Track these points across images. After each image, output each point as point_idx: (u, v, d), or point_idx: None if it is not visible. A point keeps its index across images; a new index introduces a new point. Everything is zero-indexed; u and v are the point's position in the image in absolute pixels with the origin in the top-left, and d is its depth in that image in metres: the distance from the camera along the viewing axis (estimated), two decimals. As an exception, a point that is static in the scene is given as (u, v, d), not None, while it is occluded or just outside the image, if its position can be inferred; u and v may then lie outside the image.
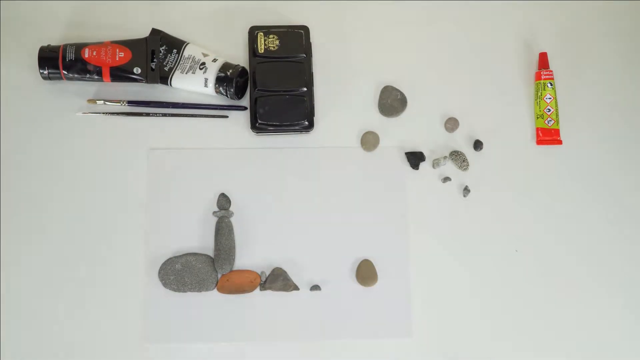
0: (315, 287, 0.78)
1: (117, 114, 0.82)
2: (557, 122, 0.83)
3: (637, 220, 0.82)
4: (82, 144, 0.81)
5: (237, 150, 0.81)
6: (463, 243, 0.80)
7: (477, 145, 0.82)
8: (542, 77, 0.83)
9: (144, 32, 0.81)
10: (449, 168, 0.82)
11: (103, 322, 0.76)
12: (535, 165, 0.83)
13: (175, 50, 0.81)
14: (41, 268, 0.78)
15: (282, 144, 0.82)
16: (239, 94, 0.81)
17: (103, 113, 0.82)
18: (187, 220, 0.79)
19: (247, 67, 0.82)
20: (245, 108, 0.83)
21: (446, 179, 0.82)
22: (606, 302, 0.80)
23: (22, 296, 0.77)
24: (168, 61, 0.80)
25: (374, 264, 0.79)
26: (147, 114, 0.82)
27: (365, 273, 0.78)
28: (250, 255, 0.79)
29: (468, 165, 0.82)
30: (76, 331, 0.76)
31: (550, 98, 0.83)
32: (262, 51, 0.81)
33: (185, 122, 0.82)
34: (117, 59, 0.79)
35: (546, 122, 0.83)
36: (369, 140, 0.82)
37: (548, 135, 0.83)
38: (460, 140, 0.83)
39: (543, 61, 0.85)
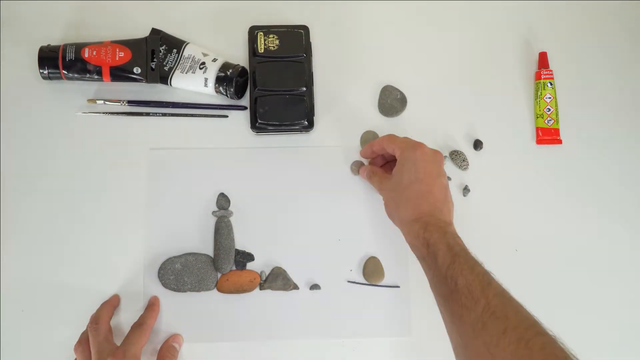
0: (315, 287, 0.78)
1: (117, 113, 0.82)
2: (557, 121, 0.83)
3: (638, 219, 0.82)
4: (82, 143, 0.81)
5: (237, 149, 0.81)
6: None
7: (477, 144, 0.82)
8: (542, 76, 0.83)
9: (144, 32, 0.81)
10: (449, 168, 0.82)
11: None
12: (535, 165, 0.83)
13: (175, 50, 0.81)
14: (40, 268, 0.78)
15: (282, 144, 0.82)
16: (239, 94, 0.81)
17: (103, 113, 0.82)
18: (186, 220, 0.79)
19: (247, 67, 0.82)
20: (245, 108, 0.83)
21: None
22: (607, 302, 0.80)
23: (21, 298, 0.77)
24: (168, 61, 0.80)
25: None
26: (147, 114, 0.82)
27: (372, 270, 0.78)
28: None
29: (468, 165, 0.82)
30: (77, 332, 0.75)
31: (550, 98, 0.83)
32: (262, 51, 0.81)
33: (185, 122, 0.82)
34: (117, 58, 0.79)
35: (546, 121, 0.83)
36: (369, 140, 0.82)
37: (548, 135, 0.83)
38: (460, 140, 0.83)
39: (543, 61, 0.85)
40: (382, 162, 0.79)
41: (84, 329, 0.74)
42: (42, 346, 0.76)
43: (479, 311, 0.58)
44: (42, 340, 0.76)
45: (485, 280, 0.60)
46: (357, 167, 0.81)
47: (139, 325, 0.73)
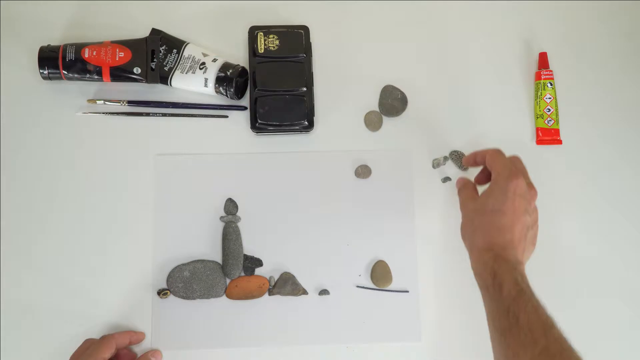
0: (324, 292, 0.78)
1: (117, 113, 0.82)
2: (557, 122, 0.83)
3: (638, 219, 0.82)
4: (82, 144, 0.81)
5: (244, 154, 0.81)
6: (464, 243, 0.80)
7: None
8: (542, 77, 0.83)
9: (144, 32, 0.81)
10: (449, 168, 0.82)
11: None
12: (535, 165, 0.82)
13: (175, 50, 0.81)
14: (41, 271, 0.77)
15: (282, 144, 0.82)
16: (239, 94, 0.81)
17: (103, 113, 0.82)
18: (194, 226, 0.79)
19: (247, 67, 0.82)
20: (245, 108, 0.83)
21: (446, 179, 0.81)
22: (607, 302, 0.80)
23: (23, 304, 0.76)
24: (168, 61, 0.80)
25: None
26: (147, 114, 0.82)
27: (380, 274, 0.78)
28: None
29: (468, 165, 0.82)
30: (79, 335, 0.74)
31: (550, 98, 0.83)
32: (262, 51, 0.81)
33: (185, 122, 0.82)
34: (117, 58, 0.79)
35: (546, 122, 0.83)
36: (372, 120, 0.82)
37: (548, 135, 0.83)
38: (461, 140, 0.83)
39: (543, 61, 0.85)
40: (485, 178, 0.74)
41: (93, 337, 0.74)
42: (49, 356, 0.75)
43: (536, 352, 0.56)
44: (49, 350, 0.75)
45: (548, 322, 0.59)
46: (363, 171, 0.80)
47: (103, 337, 0.71)
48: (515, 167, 0.69)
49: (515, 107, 0.85)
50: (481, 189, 0.73)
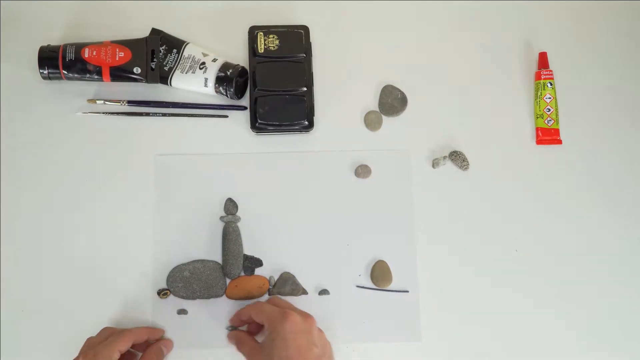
0: (324, 292, 0.78)
1: (117, 113, 0.82)
2: (557, 122, 0.83)
3: (638, 219, 0.82)
4: (82, 144, 0.81)
5: (243, 154, 0.81)
6: (463, 243, 0.80)
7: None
8: (542, 76, 0.83)
9: (144, 32, 0.81)
10: (449, 168, 0.82)
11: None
12: (535, 165, 0.83)
13: (175, 50, 0.81)
14: (41, 271, 0.77)
15: (282, 144, 0.82)
16: (239, 94, 0.81)
17: (103, 113, 0.82)
18: (194, 226, 0.79)
19: (247, 67, 0.82)
20: (245, 108, 0.83)
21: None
22: (608, 301, 0.80)
23: (22, 304, 0.76)
24: (168, 61, 0.80)
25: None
26: (147, 114, 0.82)
27: (380, 274, 0.78)
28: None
29: (468, 165, 0.82)
30: (78, 333, 0.74)
31: (550, 98, 0.83)
32: (262, 51, 0.81)
33: (185, 122, 0.82)
34: (117, 58, 0.79)
35: (546, 121, 0.83)
36: (373, 121, 0.82)
37: (548, 135, 0.83)
38: (461, 140, 0.83)
39: (543, 61, 0.85)
40: (258, 328, 0.75)
41: (87, 331, 0.73)
42: (41, 347, 0.76)
43: None
44: (42, 341, 0.76)
45: None
46: (363, 171, 0.80)
47: (123, 330, 0.71)
48: (281, 307, 0.69)
49: (515, 107, 0.85)
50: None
